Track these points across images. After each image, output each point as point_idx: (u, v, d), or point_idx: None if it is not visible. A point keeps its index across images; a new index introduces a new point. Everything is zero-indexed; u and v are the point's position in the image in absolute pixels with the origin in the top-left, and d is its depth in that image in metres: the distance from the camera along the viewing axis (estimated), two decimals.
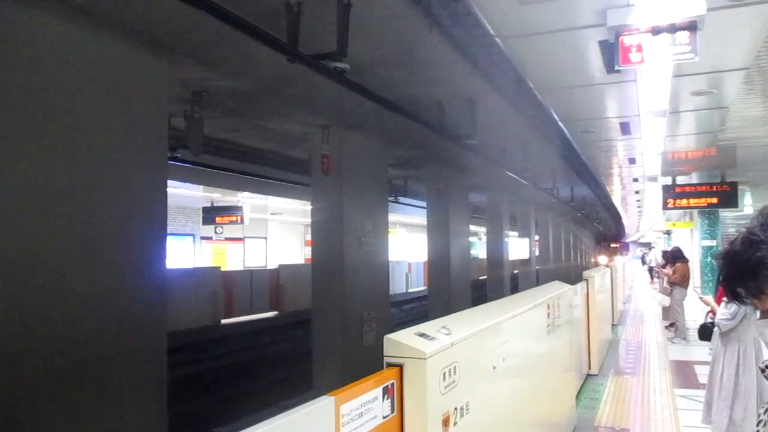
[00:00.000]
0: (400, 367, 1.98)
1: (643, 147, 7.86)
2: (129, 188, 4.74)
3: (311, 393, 9.24)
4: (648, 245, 44.99)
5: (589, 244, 35.46)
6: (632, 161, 9.44)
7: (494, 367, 2.75)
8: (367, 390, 1.78)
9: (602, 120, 6.59)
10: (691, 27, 3.49)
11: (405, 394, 1.98)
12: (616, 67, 3.69)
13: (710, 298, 5.39)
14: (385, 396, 1.88)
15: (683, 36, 3.51)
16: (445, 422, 2.13)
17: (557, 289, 4.90)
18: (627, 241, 45.77)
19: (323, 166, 8.21)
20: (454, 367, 2.22)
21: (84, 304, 4.18)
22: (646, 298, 18.30)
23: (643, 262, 36.86)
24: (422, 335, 2.13)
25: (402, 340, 2.02)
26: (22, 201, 3.81)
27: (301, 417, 1.48)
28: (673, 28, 3.54)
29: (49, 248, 4.02)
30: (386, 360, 2.01)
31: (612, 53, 4.00)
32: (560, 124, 6.87)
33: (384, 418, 1.87)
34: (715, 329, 4.97)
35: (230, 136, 9.60)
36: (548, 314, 4.17)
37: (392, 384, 1.93)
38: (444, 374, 2.13)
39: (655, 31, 3.57)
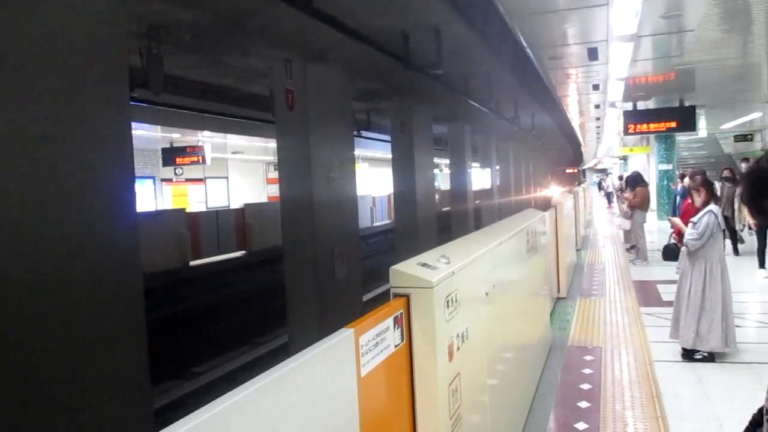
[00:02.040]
0: (407, 297, 2.01)
1: (608, 73, 7.90)
2: (91, 131, 4.55)
3: (285, 328, 9.35)
4: (605, 171, 46.05)
5: (547, 171, 35.65)
6: (596, 87, 9.52)
7: (486, 294, 2.81)
8: (381, 320, 1.80)
9: (570, 46, 6.57)
10: None
11: (413, 323, 2.01)
12: None
13: (678, 220, 5.57)
14: (396, 326, 1.91)
15: None
16: (450, 349, 2.18)
17: (532, 216, 4.99)
18: (584, 167, 46.46)
19: (287, 102, 8.03)
20: (455, 295, 2.26)
21: (55, 252, 4.08)
22: (605, 223, 18.84)
23: (600, 188, 37.77)
24: (424, 265, 2.15)
25: (408, 271, 2.04)
26: None
27: (324, 351, 1.49)
28: None
29: (15, 195, 3.88)
30: (393, 291, 2.03)
31: None
32: (528, 50, 6.83)
33: (395, 347, 1.90)
34: (683, 248, 5.16)
35: (188, 74, 9.25)
36: (527, 241, 4.26)
37: (401, 314, 1.95)
38: (447, 302, 2.16)
39: None
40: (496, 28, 6.78)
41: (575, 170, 39.59)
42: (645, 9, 5.20)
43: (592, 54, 6.85)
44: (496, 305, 3.05)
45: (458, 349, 2.27)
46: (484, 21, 6.79)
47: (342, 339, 1.56)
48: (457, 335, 2.28)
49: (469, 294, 2.47)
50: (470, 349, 2.45)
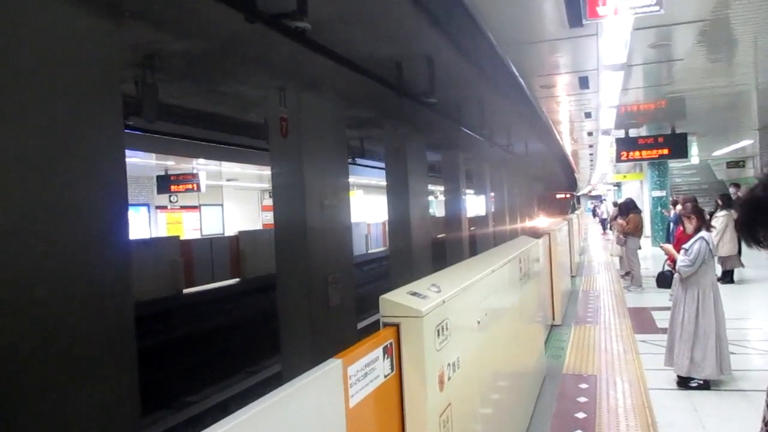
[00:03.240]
0: (397, 326, 1.99)
1: (600, 101, 7.98)
2: (85, 158, 4.56)
3: (279, 357, 9.27)
4: (599, 198, 46.14)
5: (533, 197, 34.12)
6: (588, 115, 9.60)
7: (478, 322, 2.80)
8: (370, 350, 1.79)
9: (562, 75, 6.64)
10: None
11: (403, 353, 1.99)
12: (584, 21, 3.70)
13: (670, 247, 5.58)
14: (385, 355, 1.89)
15: None
16: (440, 378, 2.16)
17: (525, 243, 4.99)
18: (578, 194, 46.22)
19: (281, 129, 8.08)
20: (446, 324, 2.25)
21: (46, 278, 4.06)
22: (600, 249, 18.85)
23: (594, 215, 37.83)
24: (414, 294, 2.14)
25: (397, 300, 2.03)
26: None
27: (312, 381, 1.47)
28: None
29: (6, 222, 3.86)
30: (383, 320, 2.01)
31: (577, 6, 4.02)
32: (520, 79, 6.89)
33: (385, 377, 1.88)
34: (676, 275, 5.16)
35: (183, 102, 9.30)
36: (520, 268, 4.25)
37: (390, 343, 1.94)
38: (438, 331, 2.15)
39: None
40: (488, 57, 6.86)
41: (567, 195, 33.20)
42: (634, 39, 5.27)
43: (583, 83, 6.92)
44: (489, 333, 3.03)
45: (449, 378, 2.25)
46: (475, 50, 6.87)
47: (330, 369, 1.55)
48: (448, 364, 2.26)
49: (460, 323, 2.46)
50: (462, 379, 2.43)
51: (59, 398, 4.14)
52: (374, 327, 8.03)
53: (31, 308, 3.90)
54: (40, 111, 4.13)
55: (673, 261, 6.07)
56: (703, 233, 4.86)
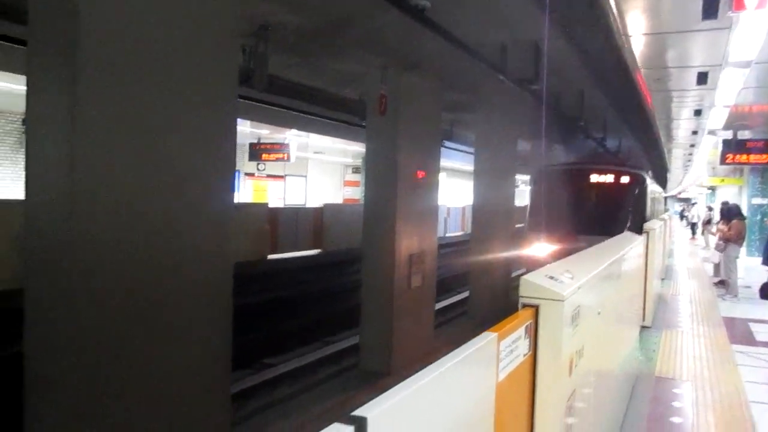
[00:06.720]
0: (536, 308, 2.00)
1: (714, 99, 7.60)
2: (200, 125, 4.76)
3: (354, 330, 9.43)
4: (688, 201, 44.02)
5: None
6: (697, 113, 9.17)
7: (599, 313, 2.77)
8: (516, 328, 1.80)
9: (681, 69, 6.36)
10: None
11: (539, 335, 2.00)
12: (729, 13, 3.52)
13: None
14: (526, 335, 1.91)
15: None
16: (570, 364, 2.16)
17: (632, 240, 4.86)
18: (666, 194, 44.11)
19: (380, 107, 8.13)
20: (578, 311, 2.24)
21: (156, 235, 4.27)
22: (688, 255, 18.09)
23: (682, 218, 36.20)
24: (551, 278, 2.14)
25: (538, 282, 2.03)
26: (95, 136, 3.83)
27: (474, 353, 1.49)
28: None
29: (123, 181, 4.08)
30: (522, 300, 2.02)
31: None
32: (633, 71, 6.65)
33: (524, 356, 1.90)
34: None
35: (283, 73, 9.49)
36: (627, 265, 4.16)
37: (530, 324, 1.95)
38: (572, 317, 2.14)
39: None
40: (601, 47, 6.65)
41: (619, 175, 10.39)
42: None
43: (701, 78, 6.61)
44: (603, 326, 2.99)
45: (576, 366, 2.25)
46: (589, 39, 6.67)
47: (488, 342, 1.58)
48: (576, 351, 2.25)
49: (587, 311, 2.44)
50: (583, 369, 2.42)
51: (155, 353, 4.37)
52: (449, 310, 8.06)
53: (135, 263, 4.14)
54: (161, 77, 4.32)
55: None
56: None
